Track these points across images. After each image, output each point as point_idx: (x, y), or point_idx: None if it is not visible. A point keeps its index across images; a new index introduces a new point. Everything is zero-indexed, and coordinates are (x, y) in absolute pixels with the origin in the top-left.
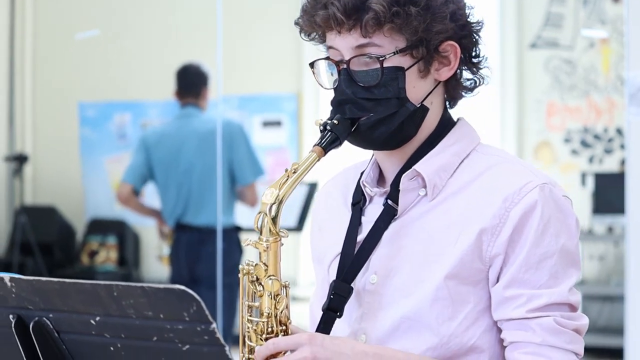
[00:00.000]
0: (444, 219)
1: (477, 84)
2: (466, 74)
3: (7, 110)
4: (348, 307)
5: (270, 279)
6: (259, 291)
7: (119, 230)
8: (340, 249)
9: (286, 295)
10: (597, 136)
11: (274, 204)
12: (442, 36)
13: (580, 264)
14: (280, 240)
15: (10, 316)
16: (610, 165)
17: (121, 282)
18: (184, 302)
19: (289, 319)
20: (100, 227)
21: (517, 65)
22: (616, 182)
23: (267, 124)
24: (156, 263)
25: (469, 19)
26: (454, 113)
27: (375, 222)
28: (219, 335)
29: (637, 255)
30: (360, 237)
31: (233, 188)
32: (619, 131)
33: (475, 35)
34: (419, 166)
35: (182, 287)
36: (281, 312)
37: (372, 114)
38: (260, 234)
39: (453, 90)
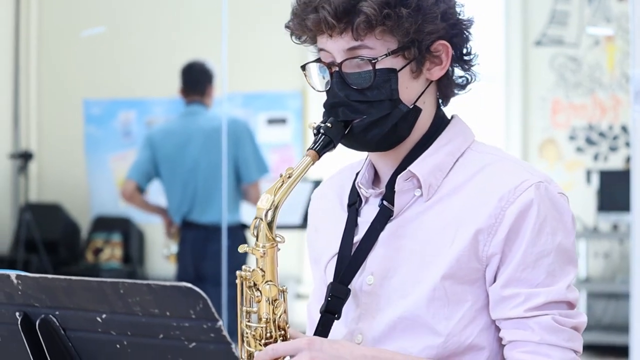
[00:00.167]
0: (440, 219)
1: (469, 81)
2: (458, 72)
3: (12, 108)
4: (345, 308)
5: (267, 284)
6: (257, 297)
7: (124, 228)
8: (336, 250)
9: (284, 300)
10: (602, 134)
11: (269, 209)
12: (433, 36)
13: (577, 261)
14: (276, 245)
15: (17, 314)
16: (615, 162)
17: (127, 280)
18: (191, 300)
19: (288, 323)
20: (105, 224)
21: (522, 63)
22: (621, 179)
23: (272, 121)
24: (161, 260)
25: (459, 17)
26: (461, 110)
27: (372, 223)
28: (225, 333)
29: None
30: (357, 238)
31: (239, 186)
32: (624, 129)
33: (465, 32)
34: (413, 167)
35: (189, 285)
36: (279, 317)
37: (366, 116)
38: (257, 239)
39: (445, 88)
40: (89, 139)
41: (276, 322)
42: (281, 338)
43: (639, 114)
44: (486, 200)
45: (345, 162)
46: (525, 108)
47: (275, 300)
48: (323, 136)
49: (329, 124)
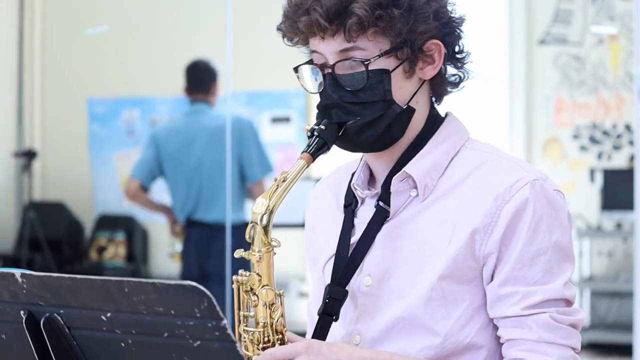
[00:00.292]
0: (436, 219)
1: (462, 79)
2: (451, 70)
3: (16, 106)
4: (343, 309)
5: (264, 288)
6: (254, 301)
7: (128, 226)
8: (333, 251)
9: (281, 304)
10: (605, 132)
11: (264, 214)
12: (426, 36)
13: (574, 257)
14: (272, 250)
15: (21, 312)
16: (618, 161)
17: (132, 279)
18: (195, 299)
19: (285, 327)
20: (108, 223)
21: (525, 62)
22: (625, 178)
23: (275, 120)
24: (165, 259)
25: (451, 16)
26: (464, 109)
27: (368, 224)
28: (230, 331)
29: None
30: (354, 239)
31: (243, 184)
32: (628, 127)
33: (457, 30)
34: (409, 168)
35: (193, 283)
36: (277, 321)
37: (359, 118)
38: (252, 244)
39: (438, 87)
40: (92, 137)
41: (274, 326)
42: (279, 342)
43: None
44: (482, 200)
45: (345, 159)
46: (528, 107)
47: (273, 304)
48: (317, 139)
49: (322, 127)
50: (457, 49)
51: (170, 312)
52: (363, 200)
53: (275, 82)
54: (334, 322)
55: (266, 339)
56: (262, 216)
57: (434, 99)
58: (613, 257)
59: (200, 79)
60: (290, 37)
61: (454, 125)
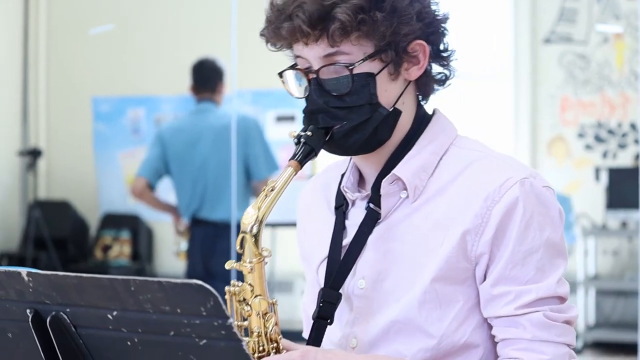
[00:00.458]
0: (427, 221)
1: (448, 77)
2: (436, 67)
3: (21, 105)
4: (339, 311)
5: (257, 298)
6: (247, 311)
7: (133, 225)
8: (326, 253)
9: (275, 313)
10: (610, 131)
11: (254, 224)
12: (410, 37)
13: (567, 253)
14: (263, 260)
15: (28, 311)
16: (624, 160)
17: (138, 277)
18: (201, 297)
19: (280, 335)
20: (113, 221)
21: (531, 60)
22: (630, 177)
23: (280, 118)
24: (170, 258)
25: (434, 15)
26: (469, 108)
27: (360, 226)
28: (236, 330)
29: None
30: (346, 241)
31: (248, 183)
32: (633, 126)
33: (442, 28)
34: (398, 170)
35: (199, 282)
36: (271, 329)
37: (346, 122)
38: (243, 255)
39: (425, 86)
40: (97, 136)
41: (268, 335)
42: (274, 351)
43: None
44: (472, 200)
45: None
46: (534, 105)
47: (266, 313)
48: (304, 145)
49: (309, 133)
50: (442, 47)
51: (176, 310)
52: (353, 202)
53: (279, 81)
54: (329, 325)
55: (261, 348)
56: (252, 226)
57: (420, 97)
58: (618, 255)
59: (207, 78)
60: (274, 43)
61: (441, 123)
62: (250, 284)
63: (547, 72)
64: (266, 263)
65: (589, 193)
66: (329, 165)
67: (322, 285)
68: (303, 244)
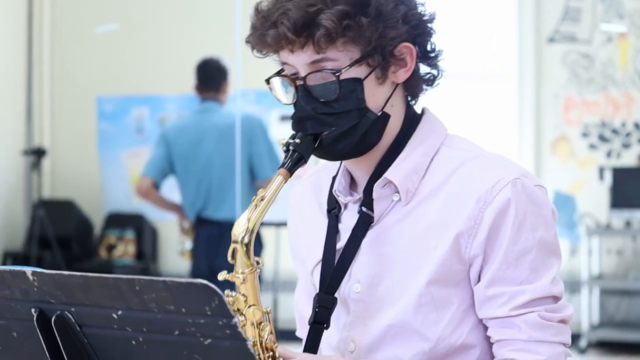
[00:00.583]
0: (420, 225)
1: (436, 77)
2: (424, 68)
3: (25, 104)
4: (336, 314)
5: (251, 308)
6: (242, 321)
7: (137, 224)
8: (320, 256)
9: (269, 321)
10: (614, 130)
11: (245, 234)
12: (396, 41)
13: (560, 252)
14: (255, 270)
15: (32, 310)
16: (628, 159)
17: (143, 277)
18: (206, 296)
19: (276, 343)
20: (118, 221)
21: (535, 60)
22: (634, 176)
23: (284, 118)
24: (174, 257)
25: (420, 16)
26: (473, 107)
27: (353, 230)
28: (241, 329)
29: None
30: (339, 245)
31: (253, 182)
32: (637, 125)
33: (428, 29)
34: (389, 173)
35: (204, 282)
36: (267, 338)
37: (334, 128)
38: (235, 266)
39: (413, 88)
40: (102, 135)
41: (264, 344)
42: (270, 359)
43: None
44: (464, 203)
45: None
46: (537, 105)
47: (261, 322)
48: (293, 153)
49: (297, 140)
50: (429, 47)
51: (181, 310)
52: (346, 205)
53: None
54: (326, 330)
55: (257, 357)
56: (243, 237)
57: (409, 97)
58: (622, 255)
59: (211, 77)
60: (259, 49)
61: (430, 124)
62: (243, 294)
63: (551, 71)
64: (259, 273)
65: (593, 192)
66: (319, 166)
67: (317, 289)
68: (295, 245)
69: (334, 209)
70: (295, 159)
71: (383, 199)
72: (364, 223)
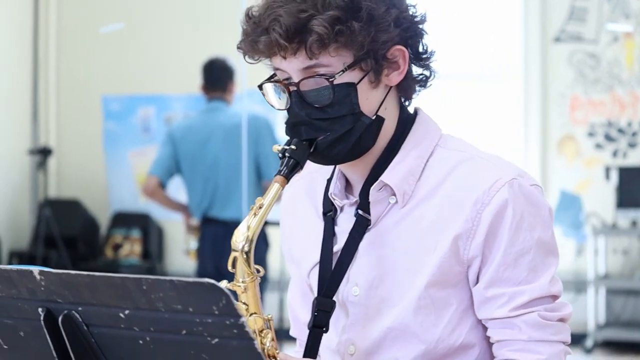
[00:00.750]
0: (418, 227)
1: (429, 77)
2: (417, 69)
3: (31, 104)
4: (334, 317)
5: (252, 316)
6: None
7: (143, 224)
8: (317, 259)
9: (271, 328)
10: (621, 130)
11: (245, 243)
12: (388, 44)
13: (558, 250)
14: (256, 278)
15: (40, 309)
16: (634, 159)
17: (151, 276)
18: (213, 296)
19: (277, 349)
20: (124, 220)
21: (541, 59)
22: None
23: None
24: (180, 256)
25: (412, 18)
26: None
27: (350, 233)
28: (248, 329)
29: None
30: (336, 248)
31: (259, 182)
32: None
33: (420, 30)
34: (385, 177)
35: (212, 281)
36: (269, 345)
37: (329, 133)
38: (235, 274)
39: (406, 90)
40: (108, 134)
41: (266, 351)
42: None
43: None
44: (461, 204)
45: None
46: (544, 104)
47: (262, 330)
48: (289, 159)
49: (293, 146)
50: (421, 49)
51: (188, 309)
52: (342, 208)
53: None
54: (325, 333)
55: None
56: (243, 246)
57: (403, 99)
58: (628, 255)
59: (217, 77)
60: (251, 55)
61: (424, 125)
62: (244, 303)
63: (557, 71)
64: (260, 281)
65: (599, 192)
66: (312, 167)
67: (315, 292)
68: (289, 246)
69: (329, 212)
70: (291, 166)
71: (380, 202)
72: (361, 226)
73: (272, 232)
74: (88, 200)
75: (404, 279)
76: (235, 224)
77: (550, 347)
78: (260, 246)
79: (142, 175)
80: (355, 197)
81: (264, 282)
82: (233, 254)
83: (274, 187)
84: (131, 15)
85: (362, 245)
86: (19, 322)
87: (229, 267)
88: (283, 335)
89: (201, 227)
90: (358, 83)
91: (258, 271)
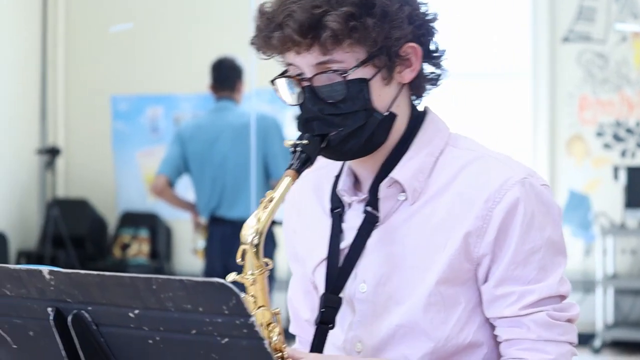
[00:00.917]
0: (427, 224)
1: (441, 76)
2: (428, 67)
3: (39, 103)
4: (341, 314)
5: (260, 309)
6: None
7: (151, 224)
8: (322, 255)
9: (278, 322)
10: (629, 130)
11: (255, 236)
12: (401, 41)
13: (567, 250)
14: (265, 271)
15: (49, 309)
16: None
17: (160, 275)
18: (223, 296)
19: (284, 343)
20: (132, 220)
21: (549, 59)
22: None
23: None
24: (188, 256)
25: (425, 16)
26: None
27: (358, 230)
28: (258, 328)
29: None
30: (343, 245)
31: (267, 181)
32: None
33: (432, 28)
34: (395, 173)
35: (222, 281)
36: (276, 339)
37: (342, 129)
38: (244, 267)
39: (418, 88)
40: (116, 134)
41: (272, 345)
42: None
43: None
44: (472, 202)
45: None
46: (552, 104)
47: (270, 323)
48: (301, 154)
49: (305, 141)
50: (432, 47)
51: (198, 309)
52: (350, 205)
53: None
54: (331, 329)
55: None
56: (253, 238)
57: (414, 97)
58: (637, 254)
59: (226, 77)
60: (264, 51)
61: (435, 123)
62: (252, 296)
63: (565, 71)
64: (268, 274)
65: (607, 192)
66: (320, 164)
67: (322, 288)
68: (292, 242)
69: (337, 209)
70: (303, 160)
71: (389, 199)
72: (370, 223)
73: (279, 232)
74: (96, 200)
75: (412, 276)
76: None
77: (558, 347)
78: (268, 246)
79: (150, 175)
80: (363, 194)
81: (271, 282)
82: (242, 247)
83: (285, 180)
84: (140, 15)
85: (371, 242)
86: (28, 322)
87: (238, 260)
88: (287, 334)
89: (209, 227)
90: (371, 79)
91: (267, 264)
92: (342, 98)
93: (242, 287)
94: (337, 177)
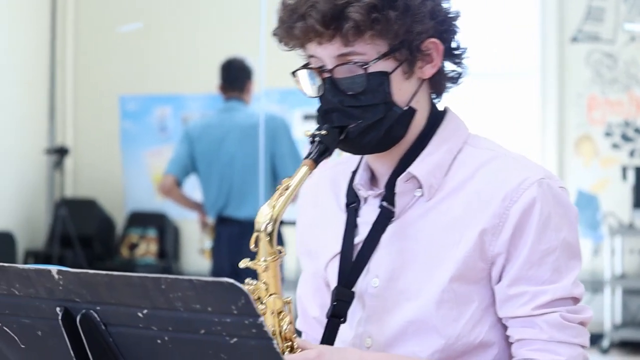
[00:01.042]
0: (443, 220)
1: (461, 75)
2: (449, 65)
3: (48, 103)
4: (350, 310)
5: (272, 296)
6: (262, 309)
7: (159, 223)
8: (336, 250)
9: (289, 311)
10: (638, 130)
11: (269, 222)
12: (423, 36)
13: (581, 255)
14: (278, 258)
15: (57, 309)
16: None
17: (169, 275)
18: (232, 295)
19: (295, 333)
20: (140, 219)
21: (558, 59)
22: None
23: (308, 117)
24: (196, 256)
25: (447, 13)
26: (497, 107)
27: (373, 224)
28: (267, 328)
29: None
30: (358, 239)
31: (275, 182)
32: None
33: (454, 26)
34: (413, 168)
35: (231, 280)
36: (286, 328)
37: (361, 121)
38: (257, 253)
39: (438, 85)
40: (124, 134)
41: (283, 334)
42: (288, 349)
43: None
44: (489, 200)
45: None
46: (561, 104)
47: (281, 312)
48: (319, 144)
49: (324, 132)
50: (454, 44)
51: (207, 309)
52: (366, 200)
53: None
54: (342, 323)
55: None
56: (267, 225)
57: (434, 95)
58: None
59: (235, 77)
60: (286, 42)
61: (454, 122)
62: (265, 283)
63: (574, 71)
64: (281, 261)
65: (616, 192)
66: (337, 161)
67: (334, 283)
68: (306, 238)
69: (353, 203)
70: (321, 150)
71: (405, 194)
72: (385, 217)
73: (287, 232)
74: (104, 200)
75: (424, 271)
76: (250, 223)
77: (570, 349)
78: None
79: (158, 174)
80: (380, 189)
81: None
82: (256, 234)
83: (302, 169)
84: (149, 15)
85: (385, 237)
86: (36, 322)
87: (251, 246)
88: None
89: (216, 227)
90: (392, 73)
91: (280, 252)
92: (362, 90)
93: (254, 273)
94: (354, 172)
